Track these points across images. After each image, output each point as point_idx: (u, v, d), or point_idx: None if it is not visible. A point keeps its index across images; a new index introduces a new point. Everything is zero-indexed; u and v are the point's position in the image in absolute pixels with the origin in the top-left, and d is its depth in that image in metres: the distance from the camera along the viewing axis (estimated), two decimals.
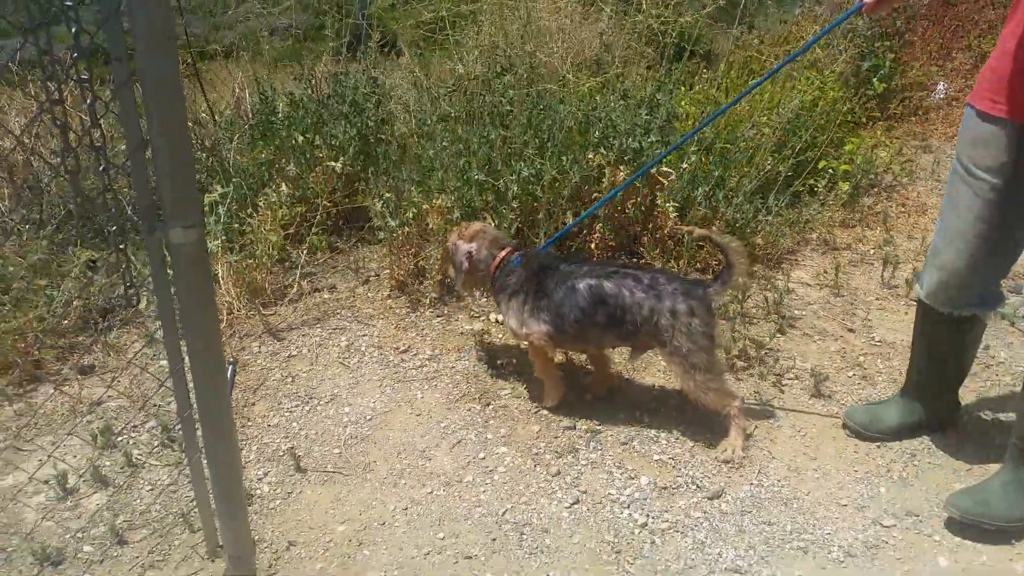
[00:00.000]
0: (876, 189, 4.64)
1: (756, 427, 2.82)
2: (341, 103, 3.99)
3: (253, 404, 2.95)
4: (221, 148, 4.12)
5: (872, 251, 4.06)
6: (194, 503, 2.41)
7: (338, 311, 3.54)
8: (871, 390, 3.04)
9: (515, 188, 3.43)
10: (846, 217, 4.35)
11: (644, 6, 4.41)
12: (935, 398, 2.72)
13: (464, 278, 2.92)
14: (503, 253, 2.86)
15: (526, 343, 2.89)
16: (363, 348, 3.30)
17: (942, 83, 5.51)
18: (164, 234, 1.48)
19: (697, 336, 2.57)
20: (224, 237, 3.50)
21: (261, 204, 3.67)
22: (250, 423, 2.85)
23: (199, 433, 1.84)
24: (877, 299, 3.65)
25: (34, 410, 2.84)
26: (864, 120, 5.13)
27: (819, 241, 4.14)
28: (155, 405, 2.88)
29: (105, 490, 2.51)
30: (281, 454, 2.69)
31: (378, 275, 3.79)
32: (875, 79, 5.35)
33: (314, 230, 3.82)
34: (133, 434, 2.76)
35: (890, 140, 4.99)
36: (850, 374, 3.14)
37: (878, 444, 2.75)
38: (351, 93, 4.00)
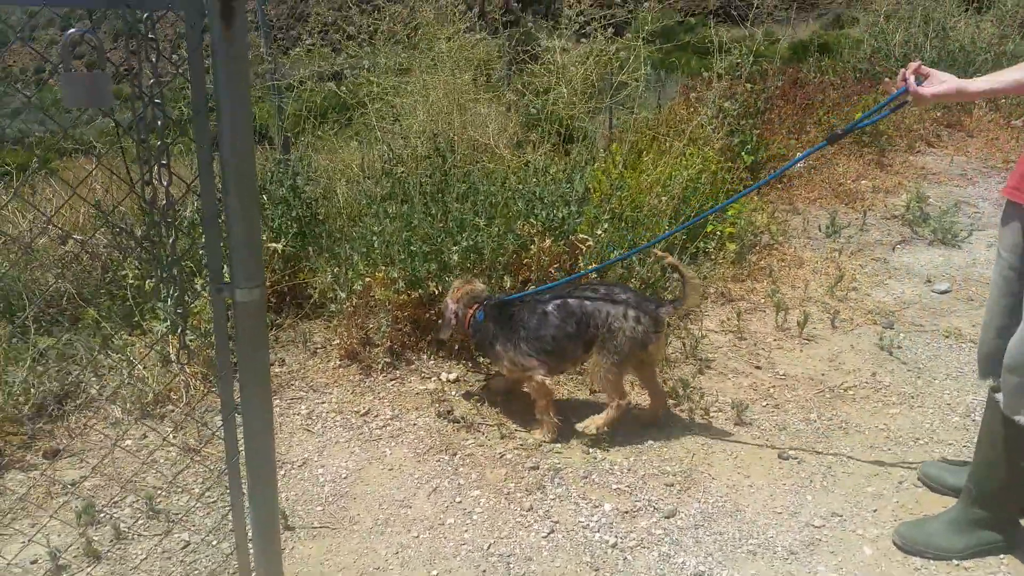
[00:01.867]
0: (757, 247, 5.27)
1: (695, 453, 3.20)
2: (280, 188, 4.22)
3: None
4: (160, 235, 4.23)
5: (762, 300, 4.62)
6: (193, 566, 2.52)
7: (292, 383, 3.69)
8: (783, 416, 3.50)
9: (456, 257, 3.74)
10: (736, 272, 4.92)
11: (540, 98, 4.93)
12: None
13: (451, 331, 3.41)
14: (471, 311, 3.27)
15: (527, 386, 3.27)
16: (324, 414, 3.46)
17: (799, 154, 6.34)
18: (230, 293, 1.70)
19: (634, 341, 3.04)
20: (176, 315, 3.60)
21: (200, 287, 3.80)
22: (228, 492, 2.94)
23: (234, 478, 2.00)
24: (774, 340, 4.17)
25: (6, 495, 2.83)
26: (740, 188, 5.82)
27: (718, 294, 4.67)
28: (132, 480, 2.93)
29: (98, 563, 2.55)
30: None
31: (325, 347, 3.97)
32: (743, 152, 6.09)
33: None
34: (115, 510, 2.80)
35: (764, 205, 5.69)
36: (764, 404, 3.59)
37: (799, 460, 3.19)
38: (289, 179, 4.23)
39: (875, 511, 2.90)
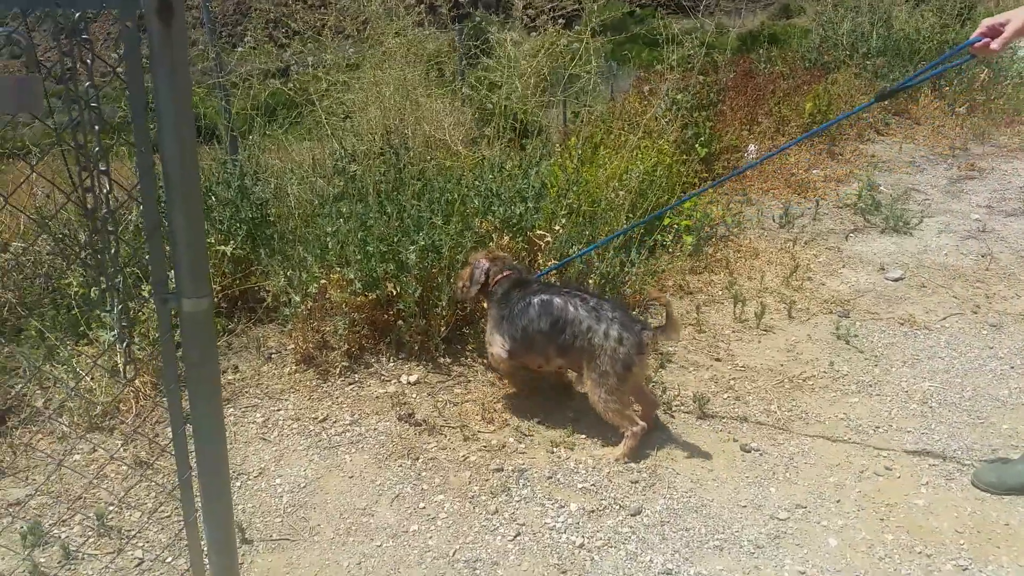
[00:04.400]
0: (713, 239, 5.30)
1: (659, 448, 3.19)
2: (227, 189, 4.09)
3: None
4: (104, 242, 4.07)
5: (720, 292, 4.64)
6: None
7: (246, 390, 3.59)
8: (744, 408, 3.51)
9: (414, 257, 3.67)
10: (694, 265, 4.93)
11: (494, 92, 4.87)
12: None
13: (477, 289, 3.42)
14: (501, 276, 3.36)
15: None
16: (281, 422, 3.37)
17: (752, 145, 6.40)
18: (176, 303, 1.62)
19: (617, 362, 2.95)
20: (122, 326, 3.47)
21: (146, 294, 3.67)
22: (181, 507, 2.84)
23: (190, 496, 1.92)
24: (733, 332, 4.19)
25: None
26: (696, 181, 5.84)
27: (676, 287, 4.67)
28: (81, 498, 2.81)
29: None
30: None
31: (280, 352, 3.87)
32: (697, 144, 6.12)
33: None
34: (63, 529, 2.68)
35: (718, 196, 5.72)
36: (725, 396, 3.60)
37: (761, 452, 3.20)
38: (237, 179, 4.11)
39: (838, 501, 2.92)
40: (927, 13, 10.03)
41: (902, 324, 4.25)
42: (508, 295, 3.32)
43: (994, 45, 2.37)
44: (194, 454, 1.85)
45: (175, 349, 1.78)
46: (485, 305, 3.51)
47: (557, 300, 3.15)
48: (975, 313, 4.39)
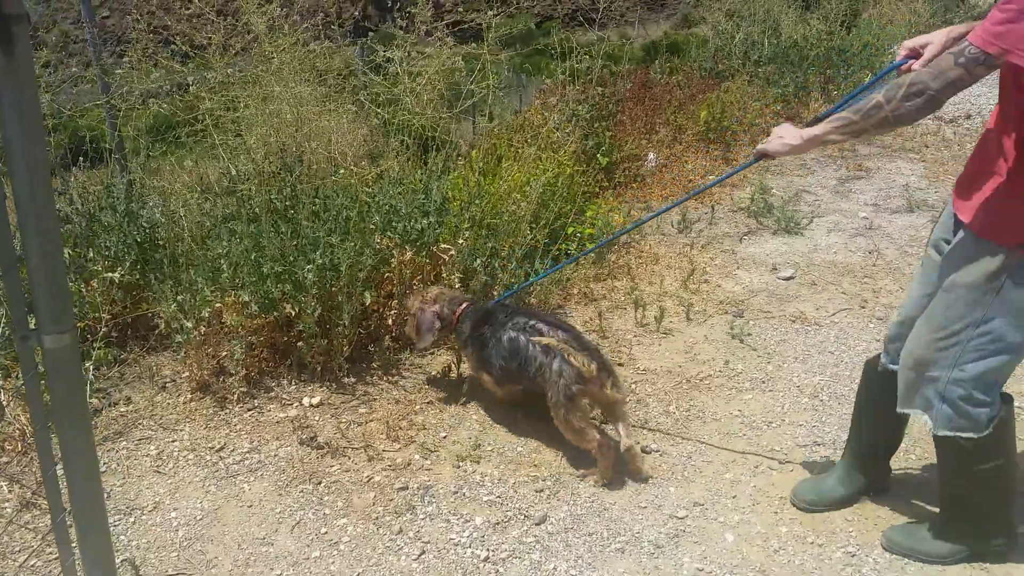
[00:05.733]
0: (616, 246, 5.41)
1: (564, 456, 3.23)
2: (113, 214, 3.94)
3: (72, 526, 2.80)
4: None
5: (623, 297, 4.74)
6: None
7: (139, 421, 3.46)
8: (644, 410, 3.59)
9: (311, 276, 3.61)
10: (598, 272, 5.02)
11: (385, 108, 4.85)
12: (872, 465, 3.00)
13: (434, 336, 3.50)
14: (460, 308, 3.44)
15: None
16: (175, 453, 3.26)
17: (652, 153, 6.57)
18: (38, 340, 1.55)
19: (562, 392, 3.01)
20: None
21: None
22: (76, 544, 2.71)
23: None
24: (634, 336, 4.28)
25: None
26: (597, 190, 5.95)
27: (580, 295, 4.75)
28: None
29: None
30: (117, 566, 2.60)
31: (174, 380, 3.74)
32: (599, 154, 6.24)
33: (97, 344, 3.69)
34: None
35: (620, 204, 5.84)
36: (627, 400, 3.67)
37: (661, 452, 3.28)
38: (123, 203, 3.96)
39: (734, 497, 3.02)
40: (813, 20, 10.52)
41: (793, 321, 4.43)
42: (479, 333, 3.36)
43: (916, 66, 2.44)
44: (67, 493, 1.77)
45: (40, 388, 1.71)
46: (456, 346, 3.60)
47: (521, 339, 3.20)
48: (863, 308, 4.61)
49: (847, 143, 7.63)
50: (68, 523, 1.87)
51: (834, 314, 4.54)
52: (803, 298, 4.74)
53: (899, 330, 2.71)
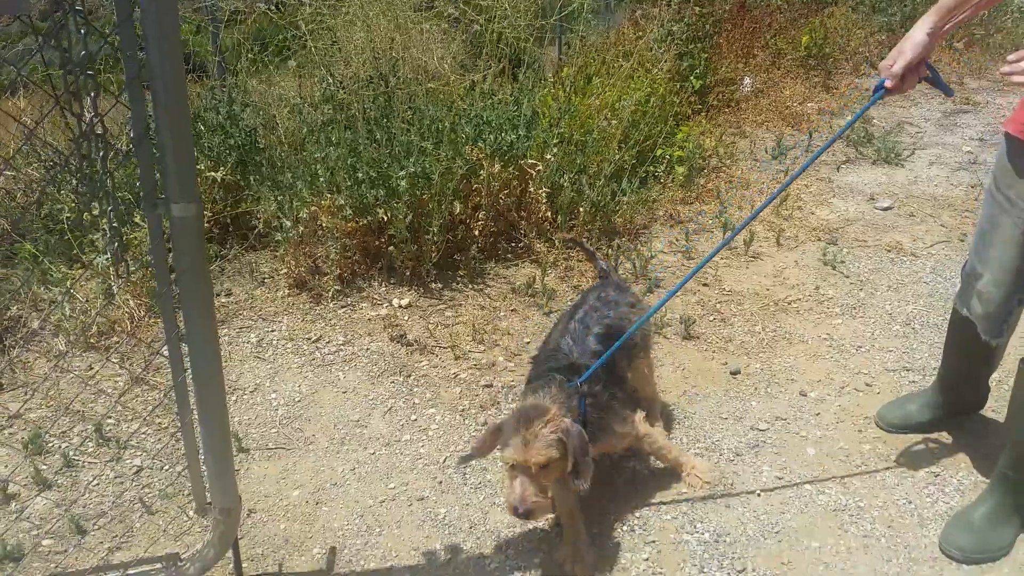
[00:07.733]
0: (705, 170, 5.30)
1: None
2: (216, 115, 4.08)
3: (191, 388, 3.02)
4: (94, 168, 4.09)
5: (710, 221, 4.67)
6: (146, 488, 2.51)
7: (240, 312, 3.65)
8: (729, 329, 3.58)
9: (404, 184, 3.69)
10: (685, 195, 4.95)
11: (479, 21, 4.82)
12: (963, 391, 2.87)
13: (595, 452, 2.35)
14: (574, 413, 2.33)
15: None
16: (274, 342, 3.43)
17: (748, 78, 6.36)
18: (166, 209, 1.65)
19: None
20: (115, 248, 3.51)
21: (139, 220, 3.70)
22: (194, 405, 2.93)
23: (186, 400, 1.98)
24: (721, 258, 4.24)
25: None
26: (689, 112, 5.82)
27: (666, 216, 4.70)
28: (79, 411, 2.89)
29: (48, 491, 2.53)
30: None
31: (272, 277, 3.91)
32: (692, 76, 6.07)
33: None
34: (63, 440, 2.76)
35: (712, 128, 5.70)
36: (711, 319, 3.67)
37: (744, 370, 3.27)
38: (226, 106, 4.10)
39: (818, 415, 3.01)
40: None
41: (889, 251, 4.30)
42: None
43: (888, 84, 2.36)
44: (188, 359, 1.90)
45: (167, 259, 1.82)
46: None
47: None
48: (962, 241, 4.43)
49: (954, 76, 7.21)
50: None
51: (931, 246, 4.38)
52: (900, 229, 4.58)
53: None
